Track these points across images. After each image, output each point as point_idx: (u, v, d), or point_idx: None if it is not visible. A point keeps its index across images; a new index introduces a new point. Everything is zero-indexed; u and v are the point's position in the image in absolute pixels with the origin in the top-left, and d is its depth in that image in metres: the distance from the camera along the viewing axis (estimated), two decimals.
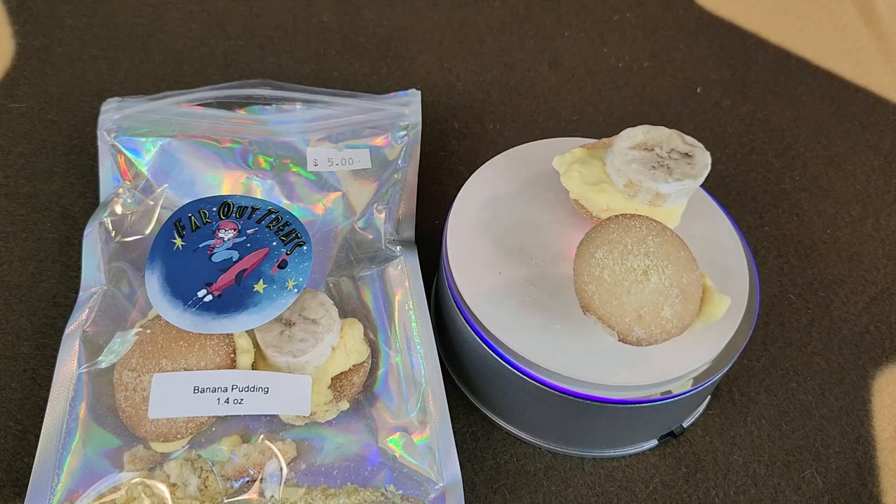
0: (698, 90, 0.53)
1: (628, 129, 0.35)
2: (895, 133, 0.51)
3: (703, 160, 0.34)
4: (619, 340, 0.30)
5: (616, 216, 0.32)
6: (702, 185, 0.41)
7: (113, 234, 0.39)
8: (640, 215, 0.32)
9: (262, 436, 0.33)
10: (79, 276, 0.39)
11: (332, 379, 0.34)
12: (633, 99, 0.52)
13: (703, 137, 0.50)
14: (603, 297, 0.30)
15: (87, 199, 0.44)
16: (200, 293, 0.34)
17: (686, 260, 0.31)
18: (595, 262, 0.31)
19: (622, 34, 0.56)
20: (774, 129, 0.51)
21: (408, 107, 0.44)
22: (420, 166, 0.44)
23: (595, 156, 0.36)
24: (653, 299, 0.30)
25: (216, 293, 0.34)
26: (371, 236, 0.40)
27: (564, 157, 0.36)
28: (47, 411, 0.33)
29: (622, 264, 0.30)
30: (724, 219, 0.37)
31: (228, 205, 0.37)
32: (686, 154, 0.34)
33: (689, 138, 0.35)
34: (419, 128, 0.43)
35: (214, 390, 0.32)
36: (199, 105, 0.43)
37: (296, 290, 0.34)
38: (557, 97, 0.52)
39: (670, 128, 0.35)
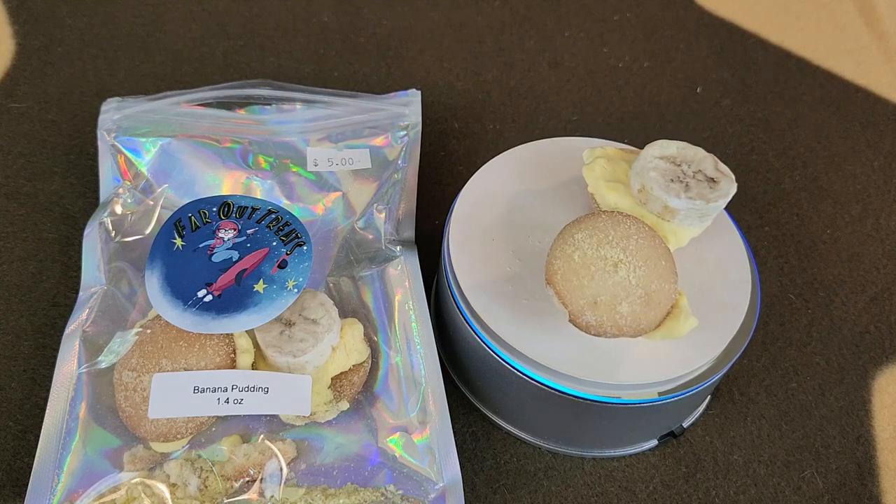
0: (698, 90, 0.53)
1: (665, 140, 0.34)
2: (895, 133, 0.51)
3: (726, 189, 0.33)
4: (570, 321, 0.30)
5: (612, 211, 0.32)
6: None
7: (113, 234, 0.39)
8: (635, 217, 0.32)
9: (262, 436, 0.33)
10: (79, 276, 0.39)
11: (332, 379, 0.34)
12: (633, 99, 0.52)
13: (703, 137, 0.50)
14: (566, 274, 0.30)
15: (87, 199, 0.44)
16: (200, 293, 0.34)
17: (664, 270, 0.31)
18: (572, 241, 0.31)
19: (622, 34, 0.56)
20: (774, 129, 0.51)
21: (408, 107, 0.44)
22: (420, 166, 0.44)
23: (625, 158, 0.36)
24: (613, 291, 0.30)
25: (216, 293, 0.34)
26: (371, 236, 0.39)
27: (595, 150, 0.36)
28: (47, 411, 0.33)
29: (596, 251, 0.30)
30: (725, 218, 0.37)
31: (228, 205, 0.37)
32: (711, 179, 0.33)
33: (722, 166, 0.34)
34: (419, 128, 0.43)
35: (214, 390, 0.32)
36: (199, 105, 0.43)
37: (296, 290, 0.34)
38: (557, 97, 0.52)
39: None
